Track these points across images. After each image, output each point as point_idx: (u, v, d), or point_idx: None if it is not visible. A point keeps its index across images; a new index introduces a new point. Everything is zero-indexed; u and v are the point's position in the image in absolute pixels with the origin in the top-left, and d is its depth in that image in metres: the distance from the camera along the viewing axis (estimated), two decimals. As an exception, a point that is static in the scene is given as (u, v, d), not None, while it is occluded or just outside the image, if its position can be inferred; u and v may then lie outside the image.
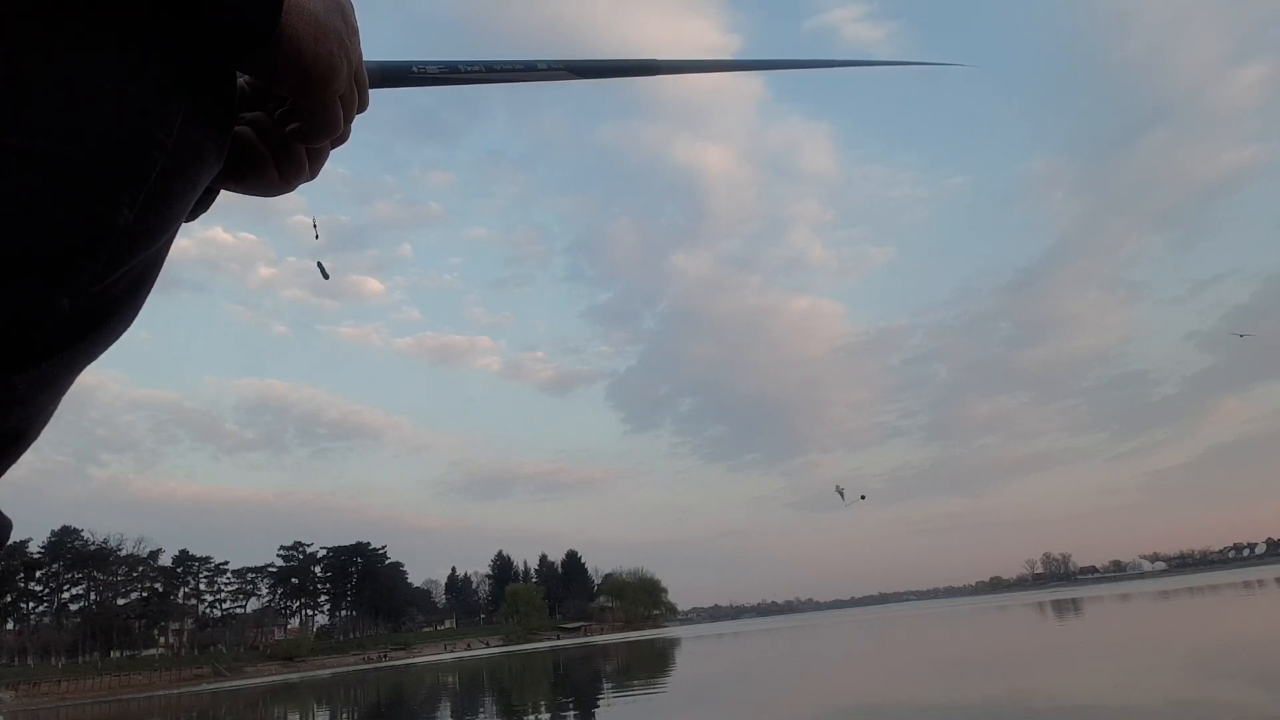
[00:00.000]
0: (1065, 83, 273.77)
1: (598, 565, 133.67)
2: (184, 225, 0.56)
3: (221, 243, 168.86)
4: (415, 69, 0.69)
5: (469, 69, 0.72)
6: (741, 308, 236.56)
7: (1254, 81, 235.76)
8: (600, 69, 0.81)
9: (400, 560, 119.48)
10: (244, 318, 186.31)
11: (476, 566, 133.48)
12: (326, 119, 0.59)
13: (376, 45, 0.59)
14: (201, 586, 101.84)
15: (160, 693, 57.13)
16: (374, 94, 0.64)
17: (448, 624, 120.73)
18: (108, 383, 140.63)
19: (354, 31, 0.58)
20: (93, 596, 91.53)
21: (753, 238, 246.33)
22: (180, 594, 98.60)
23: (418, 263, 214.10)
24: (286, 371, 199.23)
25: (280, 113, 0.62)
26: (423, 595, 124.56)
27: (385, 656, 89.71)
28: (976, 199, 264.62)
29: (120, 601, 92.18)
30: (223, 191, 0.64)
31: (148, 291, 0.54)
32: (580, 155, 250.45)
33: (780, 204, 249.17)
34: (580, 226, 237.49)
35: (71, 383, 0.51)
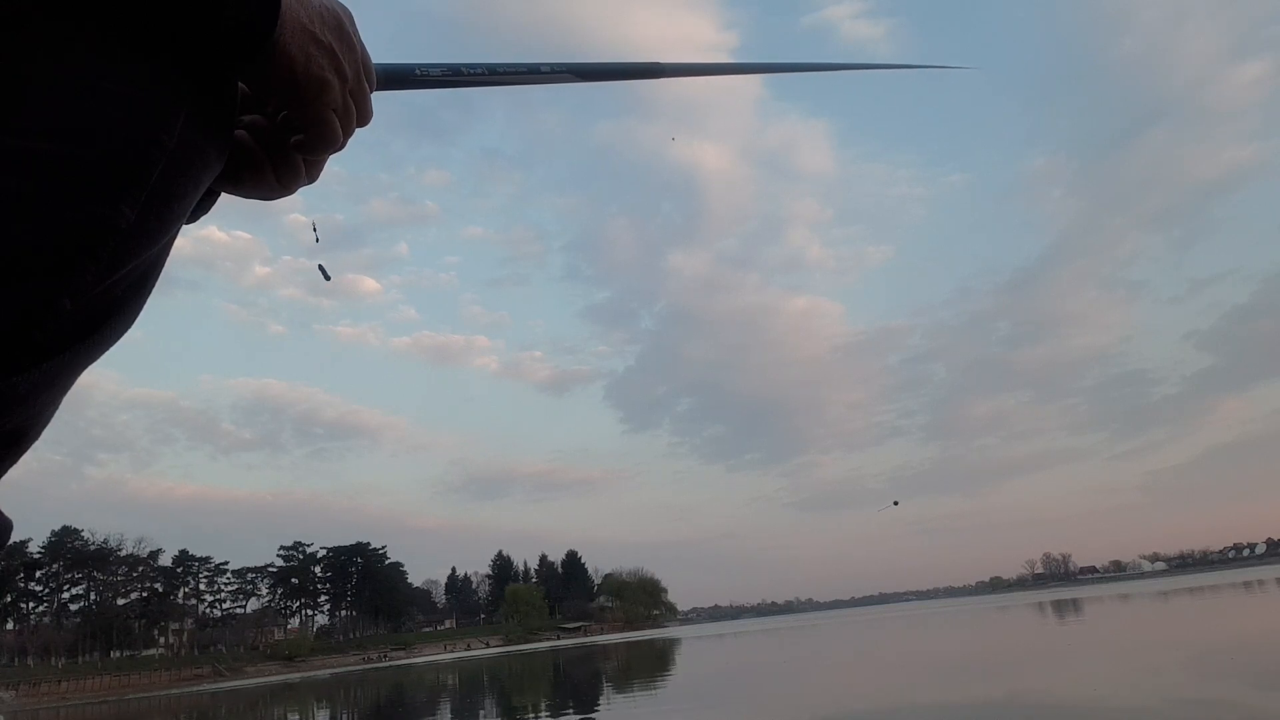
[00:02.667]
0: (1064, 80, 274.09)
1: (598, 565, 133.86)
2: (183, 226, 0.56)
3: (216, 241, 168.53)
4: (418, 71, 0.70)
5: (472, 72, 0.72)
6: (739, 307, 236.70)
7: (1253, 79, 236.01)
8: (603, 72, 0.81)
9: (400, 560, 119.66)
10: (240, 317, 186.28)
11: (476, 566, 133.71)
12: (322, 133, 0.60)
13: (371, 41, 0.60)
14: (201, 586, 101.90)
15: (160, 693, 57.12)
16: (373, 95, 0.65)
17: (448, 624, 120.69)
18: (103, 382, 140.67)
19: (351, 49, 0.59)
20: (93, 596, 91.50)
21: (750, 237, 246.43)
22: (180, 594, 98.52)
23: (414, 262, 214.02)
24: (283, 371, 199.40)
25: (280, 119, 0.62)
26: (423, 595, 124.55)
27: (385, 657, 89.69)
28: (975, 197, 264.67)
29: (120, 601, 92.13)
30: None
31: (149, 292, 0.54)
32: (577, 154, 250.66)
33: (778, 203, 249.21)
34: (577, 225, 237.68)
35: (73, 383, 0.51)
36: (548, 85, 0.78)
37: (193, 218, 0.59)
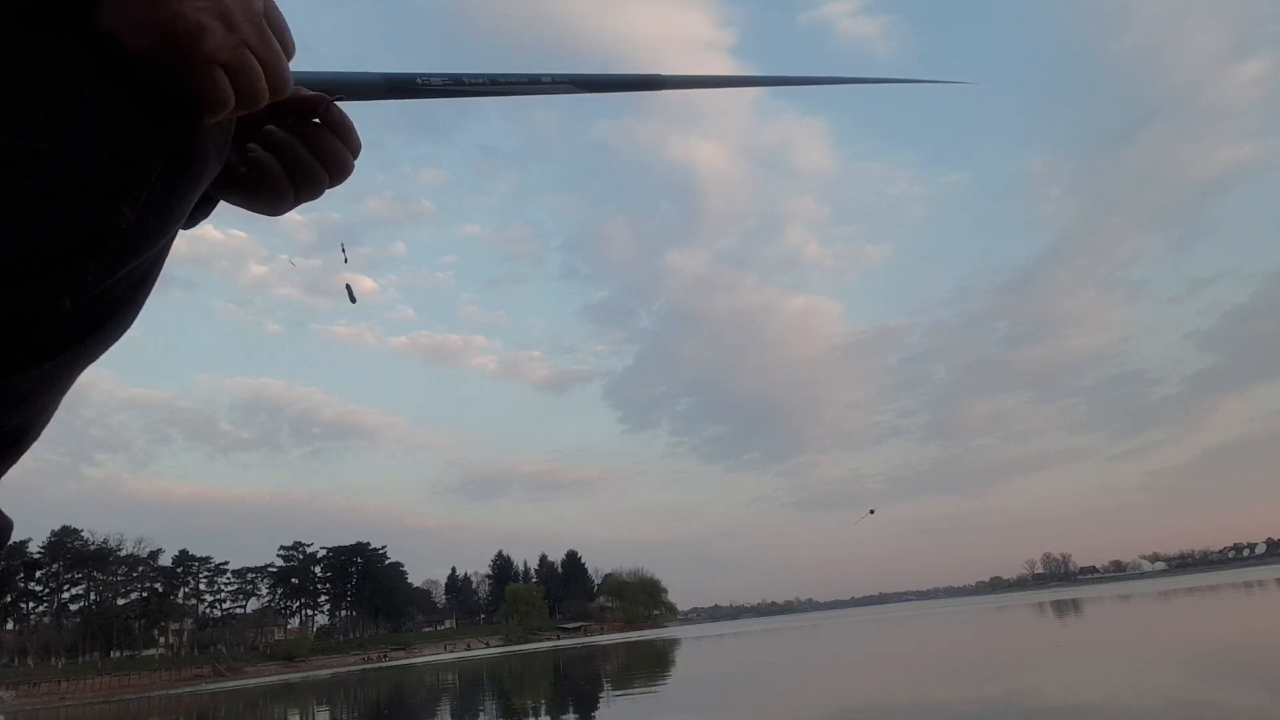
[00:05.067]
0: (1063, 78, 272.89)
1: (597, 565, 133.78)
2: (179, 232, 0.56)
3: (211, 240, 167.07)
4: (420, 80, 0.70)
5: (473, 81, 0.73)
6: (738, 306, 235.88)
7: (1254, 77, 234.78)
8: (604, 83, 0.82)
9: (400, 560, 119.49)
10: (236, 316, 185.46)
11: (476, 566, 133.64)
12: (208, 91, 0.50)
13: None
14: (201, 586, 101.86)
15: (160, 693, 57.13)
16: (376, 103, 0.65)
17: (448, 624, 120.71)
18: (100, 382, 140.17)
19: None
20: (92, 596, 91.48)
21: (748, 235, 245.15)
22: (180, 594, 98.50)
23: (411, 261, 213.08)
24: (280, 370, 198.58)
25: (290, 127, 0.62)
26: (423, 595, 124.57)
27: (385, 657, 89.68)
28: (974, 197, 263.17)
29: (120, 601, 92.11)
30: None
31: (149, 292, 0.54)
32: (574, 152, 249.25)
33: (775, 201, 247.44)
34: (574, 224, 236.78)
35: (72, 383, 0.51)
36: (548, 96, 0.79)
37: (191, 223, 0.60)
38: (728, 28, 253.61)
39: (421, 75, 0.70)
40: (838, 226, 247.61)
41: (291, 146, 0.62)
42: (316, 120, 0.62)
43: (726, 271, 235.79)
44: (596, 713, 13.68)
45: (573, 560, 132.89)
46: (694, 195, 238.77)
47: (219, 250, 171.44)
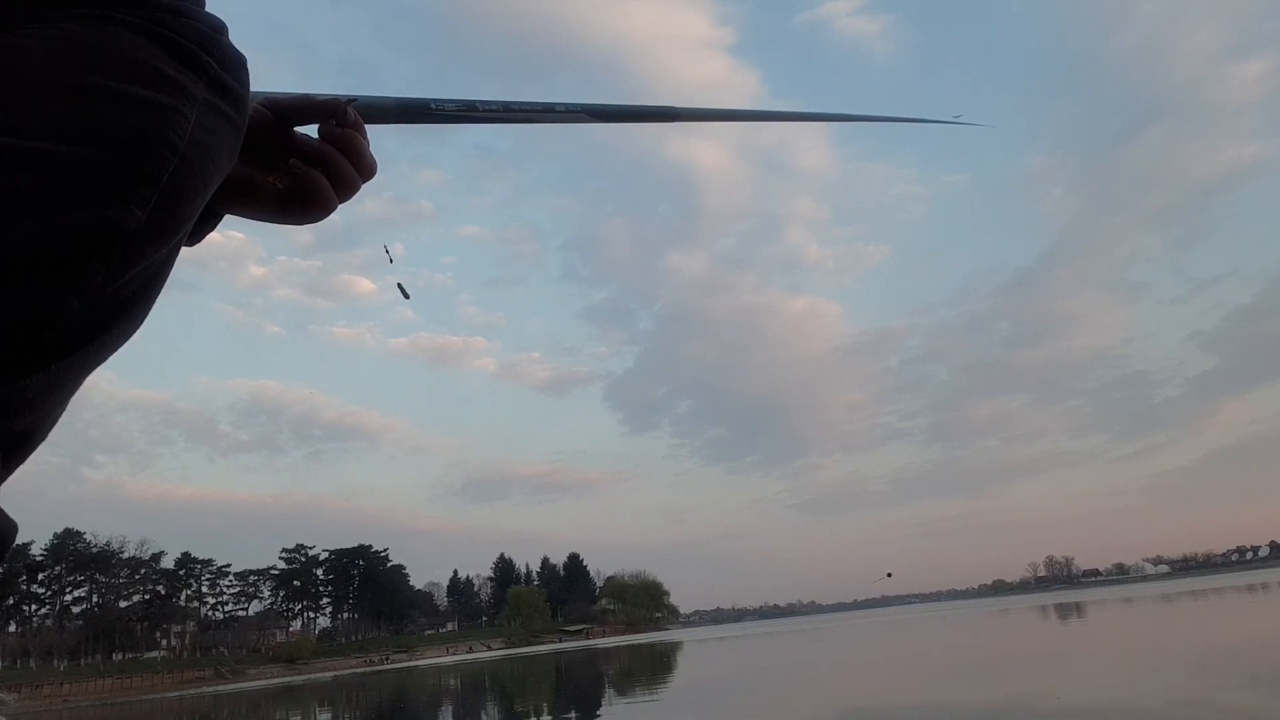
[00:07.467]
0: (1063, 76, 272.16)
1: (599, 568, 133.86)
2: (183, 248, 0.56)
3: (209, 240, 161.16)
4: (434, 106, 0.70)
5: (486, 108, 0.73)
6: (738, 308, 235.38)
7: (1255, 76, 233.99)
8: (617, 113, 0.83)
9: (402, 563, 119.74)
10: (235, 317, 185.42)
11: (478, 569, 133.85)
12: None
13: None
14: (204, 589, 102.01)
15: (162, 695, 57.17)
16: (391, 126, 0.66)
17: (450, 626, 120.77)
18: (99, 383, 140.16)
19: None
20: (95, 599, 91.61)
21: (747, 236, 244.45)
22: (182, 596, 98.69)
23: (410, 261, 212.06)
24: (280, 372, 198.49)
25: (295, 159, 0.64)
26: (425, 598, 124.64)
27: (387, 659, 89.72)
28: (974, 196, 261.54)
29: (122, 604, 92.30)
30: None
31: (157, 294, 0.54)
32: (571, 152, 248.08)
33: (775, 201, 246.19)
34: (573, 225, 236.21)
35: (79, 385, 0.51)
36: (561, 125, 0.79)
37: (195, 238, 0.59)
38: (725, 26, 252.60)
39: (435, 101, 0.71)
40: (838, 227, 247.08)
41: (331, 155, 0.63)
42: (334, 123, 0.63)
43: (726, 272, 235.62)
44: (598, 716, 13.65)
45: (575, 563, 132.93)
46: (693, 196, 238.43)
47: (217, 251, 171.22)
